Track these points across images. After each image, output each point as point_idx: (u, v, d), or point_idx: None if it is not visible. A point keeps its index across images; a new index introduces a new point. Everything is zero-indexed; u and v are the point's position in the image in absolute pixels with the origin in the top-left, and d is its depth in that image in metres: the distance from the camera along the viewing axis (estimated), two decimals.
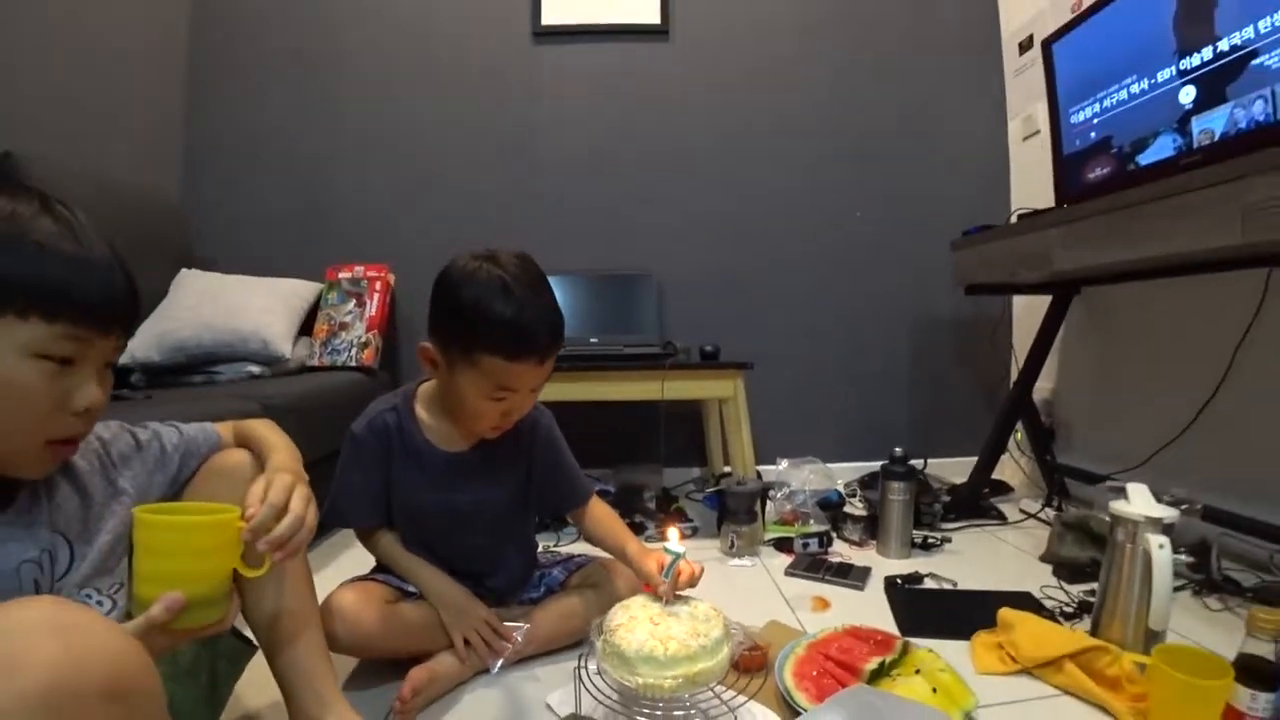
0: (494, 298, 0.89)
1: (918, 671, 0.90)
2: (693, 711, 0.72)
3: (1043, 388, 2.06)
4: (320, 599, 0.88)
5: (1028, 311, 2.14)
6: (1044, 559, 1.47)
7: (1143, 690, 0.88)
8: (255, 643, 0.80)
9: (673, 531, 0.83)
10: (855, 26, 2.31)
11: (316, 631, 0.83)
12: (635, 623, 0.74)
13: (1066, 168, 1.67)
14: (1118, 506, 1.03)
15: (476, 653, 0.97)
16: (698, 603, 0.79)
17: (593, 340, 1.91)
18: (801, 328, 2.28)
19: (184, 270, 1.91)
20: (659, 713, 0.72)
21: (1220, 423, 1.48)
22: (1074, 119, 1.64)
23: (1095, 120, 1.57)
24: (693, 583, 0.84)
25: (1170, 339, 1.66)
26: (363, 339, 1.90)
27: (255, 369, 1.74)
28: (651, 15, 2.31)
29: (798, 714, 0.83)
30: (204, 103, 2.25)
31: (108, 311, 0.61)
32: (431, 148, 2.27)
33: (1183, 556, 1.32)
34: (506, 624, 1.00)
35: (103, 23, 1.91)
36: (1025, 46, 2.19)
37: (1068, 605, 1.23)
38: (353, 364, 1.88)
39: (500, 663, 0.96)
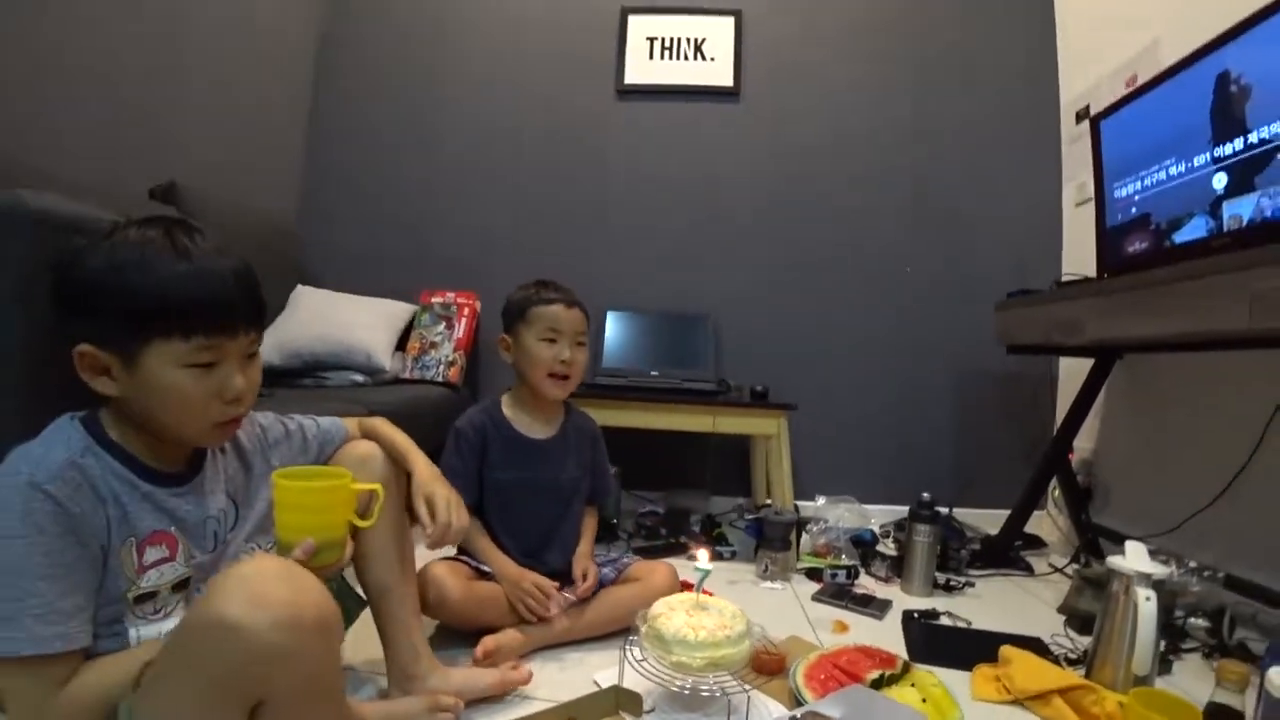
0: (533, 288, 1.37)
1: (913, 685, 1.04)
2: (715, 689, 0.89)
3: (1084, 447, 2.12)
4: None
5: (1072, 372, 2.22)
6: (1060, 610, 1.54)
7: None
8: (365, 599, 1.01)
9: (702, 553, 1.01)
10: (917, 91, 2.47)
11: (413, 597, 1.03)
12: (674, 613, 0.92)
13: (1109, 239, 1.74)
14: (1114, 561, 1.14)
15: (526, 606, 1.18)
16: (727, 604, 0.96)
17: (653, 373, 2.08)
18: (849, 373, 2.41)
19: (300, 286, 2.20)
20: (687, 689, 0.89)
21: (1252, 493, 1.53)
22: (1118, 193, 1.72)
23: (1136, 196, 1.65)
24: None
25: (1207, 408, 1.72)
26: (450, 358, 2.15)
27: (359, 377, 2.00)
28: (725, 79, 2.53)
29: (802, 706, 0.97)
30: (321, 142, 2.61)
31: (230, 320, 0.73)
32: (517, 189, 2.53)
33: (1200, 621, 1.39)
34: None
35: (245, 71, 2.24)
36: (1082, 116, 2.28)
37: (1072, 652, 1.31)
38: (440, 379, 2.13)
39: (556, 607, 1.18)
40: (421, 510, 0.92)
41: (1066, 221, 2.39)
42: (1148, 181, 1.62)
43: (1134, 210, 1.66)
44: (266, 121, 2.40)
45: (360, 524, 0.81)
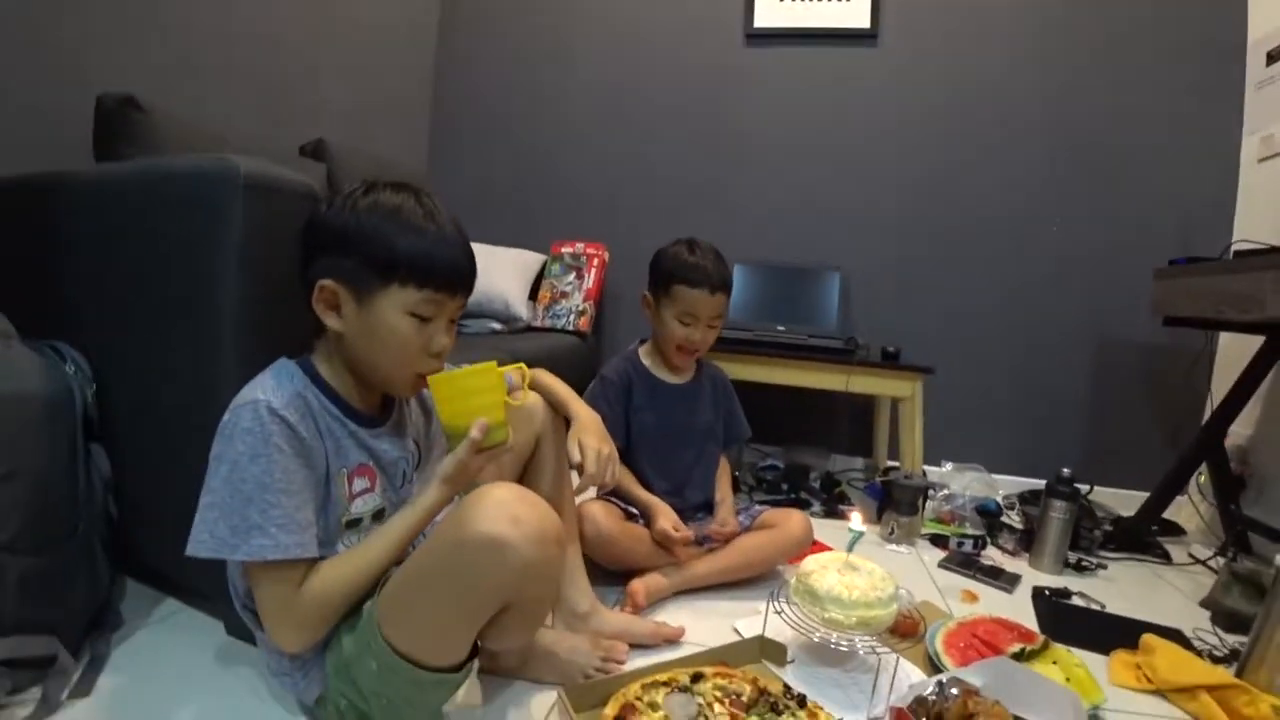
0: (685, 255, 1.39)
1: (1054, 663, 1.05)
2: (866, 649, 0.94)
3: (1238, 433, 1.97)
4: None
5: (1232, 350, 2.05)
6: (1204, 604, 1.47)
7: None
8: None
9: (856, 515, 1.06)
10: (1070, 30, 2.26)
11: (575, 538, 1.14)
12: (826, 571, 0.98)
13: None
14: None
15: (660, 531, 1.28)
16: (875, 566, 1.00)
17: (779, 328, 2.06)
18: (981, 335, 2.32)
19: None
20: (844, 647, 0.95)
21: None
22: None
23: None
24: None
25: None
26: (580, 308, 2.24)
27: (496, 325, 2.14)
28: (861, 20, 2.40)
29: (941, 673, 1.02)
30: (447, 97, 2.72)
31: (456, 280, 0.82)
32: (645, 139, 2.55)
33: None
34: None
35: (375, 29, 2.36)
36: (1275, 57, 2.02)
37: (1218, 650, 1.25)
38: (570, 328, 2.24)
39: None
40: (574, 451, 1.00)
41: (1244, 177, 2.15)
42: None
43: None
44: (395, 76, 2.52)
45: (514, 403, 0.87)
